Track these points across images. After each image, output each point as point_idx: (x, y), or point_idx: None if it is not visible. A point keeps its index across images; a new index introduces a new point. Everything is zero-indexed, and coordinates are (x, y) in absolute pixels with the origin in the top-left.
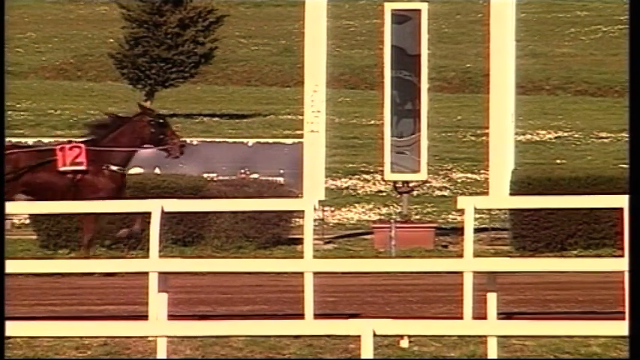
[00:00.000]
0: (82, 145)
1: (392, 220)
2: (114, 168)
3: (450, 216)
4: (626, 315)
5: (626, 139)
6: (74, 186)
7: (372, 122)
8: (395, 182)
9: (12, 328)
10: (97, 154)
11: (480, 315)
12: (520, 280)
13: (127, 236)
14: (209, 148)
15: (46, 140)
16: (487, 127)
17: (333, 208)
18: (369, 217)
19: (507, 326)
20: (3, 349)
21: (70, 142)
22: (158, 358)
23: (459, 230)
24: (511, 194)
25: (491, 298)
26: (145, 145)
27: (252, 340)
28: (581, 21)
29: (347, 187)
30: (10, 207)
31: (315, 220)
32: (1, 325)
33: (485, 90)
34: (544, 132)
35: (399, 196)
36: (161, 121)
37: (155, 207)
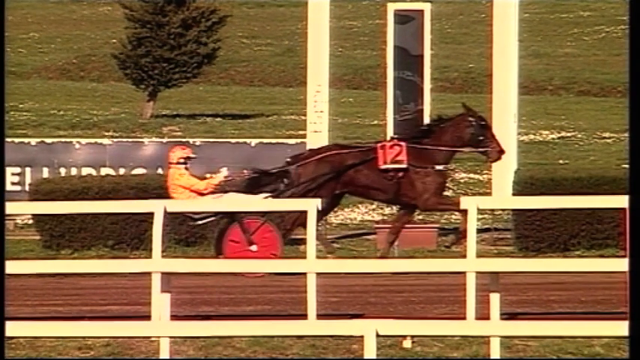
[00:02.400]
0: (403, 144)
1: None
2: (438, 167)
3: (453, 216)
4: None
5: None
6: (395, 184)
7: (375, 122)
8: None
9: (15, 329)
10: (418, 152)
11: (483, 315)
12: (523, 280)
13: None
14: (212, 148)
15: (49, 141)
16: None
17: (335, 209)
18: (372, 217)
19: (510, 327)
20: (3, 350)
21: (391, 139)
22: (161, 358)
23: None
24: (514, 194)
25: (494, 299)
26: (463, 146)
27: (255, 341)
28: (584, 21)
29: None
30: (13, 207)
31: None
32: (1, 325)
33: (487, 90)
34: (547, 132)
35: None
36: (483, 123)
37: (158, 207)
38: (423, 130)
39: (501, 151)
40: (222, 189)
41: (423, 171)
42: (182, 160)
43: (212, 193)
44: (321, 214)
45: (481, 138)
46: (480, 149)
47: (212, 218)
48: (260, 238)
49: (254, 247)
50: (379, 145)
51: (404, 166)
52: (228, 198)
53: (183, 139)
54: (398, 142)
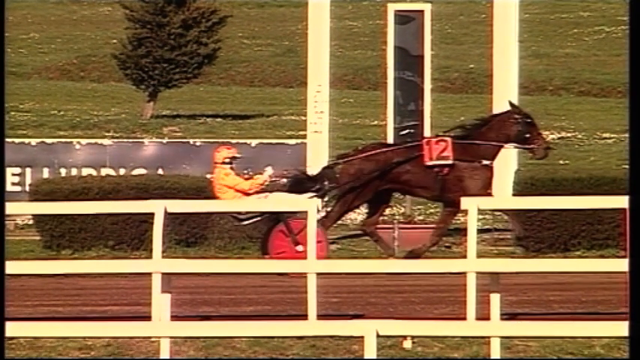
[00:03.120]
0: (449, 139)
1: (395, 221)
2: (484, 162)
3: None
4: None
5: None
6: (441, 180)
7: (375, 123)
8: None
9: (15, 329)
10: (464, 148)
11: (484, 316)
12: (523, 280)
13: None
14: (212, 148)
15: (49, 141)
16: None
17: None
18: None
19: (511, 327)
20: (3, 350)
21: (436, 135)
22: (161, 358)
23: (462, 231)
24: (514, 195)
25: (495, 299)
26: (509, 143)
27: (256, 341)
28: (584, 21)
29: None
30: (13, 208)
31: (318, 220)
32: (1, 325)
33: (488, 90)
34: (547, 132)
35: (402, 196)
36: (529, 120)
37: (158, 208)
38: (469, 128)
39: (548, 148)
40: (268, 189)
41: (470, 166)
42: (227, 160)
43: (257, 192)
44: (373, 212)
45: (527, 135)
46: (526, 146)
47: (257, 219)
48: (305, 238)
49: (300, 248)
50: (424, 141)
51: (450, 162)
52: (272, 198)
53: (184, 140)
54: (443, 138)
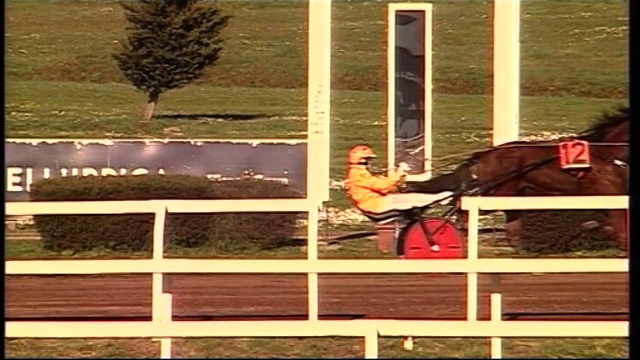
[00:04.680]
0: (585, 143)
1: (396, 222)
2: (618, 163)
3: (454, 217)
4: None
5: None
6: (577, 183)
7: (376, 123)
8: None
9: (16, 329)
10: (599, 151)
11: (484, 316)
12: (524, 281)
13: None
14: (213, 149)
15: (50, 141)
16: (491, 128)
17: (337, 209)
18: None
19: (511, 327)
20: (3, 350)
21: (571, 138)
22: (162, 358)
23: (463, 231)
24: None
25: (496, 299)
26: None
27: (257, 341)
28: (585, 22)
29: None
30: (14, 208)
31: (319, 221)
32: (1, 325)
33: (489, 91)
34: (548, 133)
35: None
36: None
37: (159, 208)
38: (600, 129)
39: None
40: (405, 188)
41: (604, 169)
42: (363, 160)
43: (392, 192)
44: (512, 217)
45: None
46: None
47: (394, 218)
48: (441, 238)
49: (436, 248)
50: (561, 144)
51: (587, 165)
52: (409, 197)
53: (185, 140)
54: (580, 142)
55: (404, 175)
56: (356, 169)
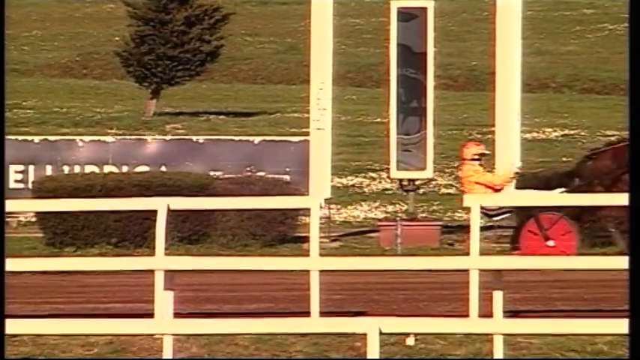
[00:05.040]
0: None
1: (398, 218)
2: None
3: (457, 214)
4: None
5: None
6: None
7: (378, 120)
8: (401, 180)
9: (18, 326)
10: None
11: (486, 313)
12: (526, 278)
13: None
14: (215, 146)
15: (52, 138)
16: (493, 125)
17: (339, 206)
18: (375, 215)
19: (513, 324)
20: (3, 347)
21: None
22: (164, 356)
23: (465, 228)
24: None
25: (497, 296)
26: None
27: (259, 338)
28: (587, 19)
29: (353, 185)
30: (16, 205)
31: (321, 218)
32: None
33: (491, 88)
34: (550, 130)
35: (405, 194)
36: None
37: (161, 205)
38: None
39: None
40: (518, 184)
41: None
42: (476, 157)
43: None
44: None
45: None
46: None
47: (508, 214)
48: (556, 233)
49: (551, 243)
50: None
51: None
52: (524, 193)
53: (186, 137)
54: None
55: (517, 172)
56: (469, 165)
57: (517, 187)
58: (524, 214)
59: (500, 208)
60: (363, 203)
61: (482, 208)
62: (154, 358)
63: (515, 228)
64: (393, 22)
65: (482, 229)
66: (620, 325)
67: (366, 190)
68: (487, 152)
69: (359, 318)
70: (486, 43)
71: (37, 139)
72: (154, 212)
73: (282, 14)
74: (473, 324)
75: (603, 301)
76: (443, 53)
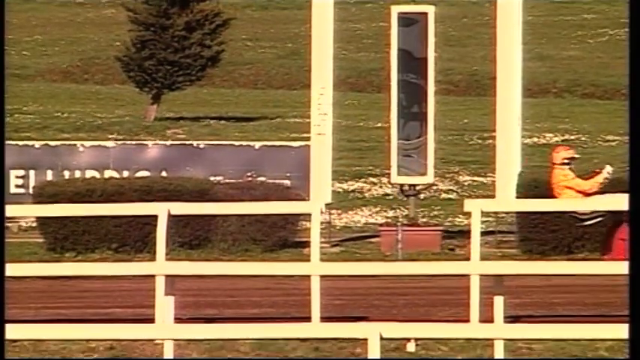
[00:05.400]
0: None
1: (399, 223)
2: None
3: (457, 219)
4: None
5: None
6: None
7: (379, 125)
8: (402, 185)
9: (19, 331)
10: None
11: (487, 318)
12: (527, 283)
13: None
14: (216, 151)
15: (53, 143)
16: (494, 130)
17: (339, 211)
18: (376, 220)
19: (514, 329)
20: (3, 353)
21: None
22: None
23: (465, 233)
24: (518, 197)
25: (498, 302)
26: None
27: (259, 343)
28: (588, 24)
29: (354, 190)
30: (16, 210)
31: (321, 223)
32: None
33: (491, 93)
34: (551, 135)
35: (405, 199)
36: None
37: (162, 210)
38: None
39: None
40: (605, 189)
41: None
42: (566, 161)
43: (596, 193)
44: None
45: None
46: None
47: (600, 219)
48: None
49: None
50: None
51: None
52: (612, 198)
53: (187, 142)
54: None
55: (607, 177)
56: (559, 170)
57: (604, 192)
58: (615, 218)
59: (591, 212)
60: (363, 208)
61: (573, 212)
62: None
63: (606, 233)
64: (393, 27)
65: (483, 234)
66: (621, 331)
67: (366, 195)
68: (577, 156)
69: (359, 323)
70: (487, 48)
71: (37, 144)
72: (155, 217)
73: (283, 19)
74: (474, 329)
75: (604, 306)
76: (443, 58)
